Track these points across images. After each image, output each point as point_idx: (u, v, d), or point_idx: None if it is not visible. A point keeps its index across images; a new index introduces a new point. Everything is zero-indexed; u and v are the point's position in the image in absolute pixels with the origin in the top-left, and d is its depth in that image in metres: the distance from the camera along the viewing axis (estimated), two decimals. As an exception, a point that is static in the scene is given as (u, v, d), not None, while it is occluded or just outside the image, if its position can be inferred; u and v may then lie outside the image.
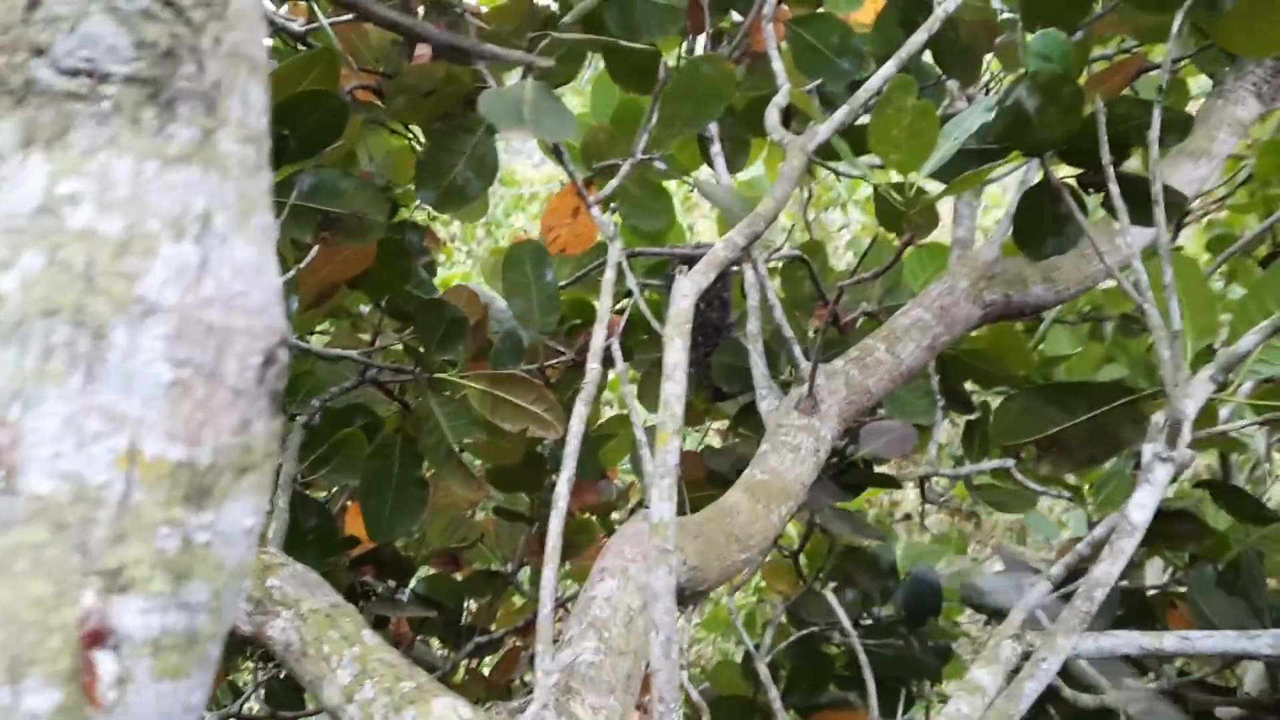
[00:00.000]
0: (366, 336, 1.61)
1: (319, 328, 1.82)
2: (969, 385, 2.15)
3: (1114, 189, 1.01)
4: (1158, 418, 0.80)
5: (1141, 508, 0.77)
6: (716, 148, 1.58)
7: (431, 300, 1.28)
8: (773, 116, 1.15)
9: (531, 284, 1.52)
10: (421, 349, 1.25)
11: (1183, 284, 0.94)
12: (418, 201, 2.16)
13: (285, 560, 1.00)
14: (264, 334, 0.38)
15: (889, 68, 1.07)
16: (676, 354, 0.89)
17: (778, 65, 1.35)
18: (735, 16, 1.94)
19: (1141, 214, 1.31)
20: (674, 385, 0.87)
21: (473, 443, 1.41)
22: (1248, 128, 1.49)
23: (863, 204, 4.68)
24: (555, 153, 1.35)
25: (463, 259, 5.00)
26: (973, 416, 2.05)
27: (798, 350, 1.42)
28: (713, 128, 1.67)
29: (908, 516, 4.18)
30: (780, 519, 1.29)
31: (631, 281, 1.14)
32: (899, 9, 1.63)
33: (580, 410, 1.00)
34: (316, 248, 1.16)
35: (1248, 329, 0.90)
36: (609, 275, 1.16)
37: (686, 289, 0.92)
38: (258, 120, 0.39)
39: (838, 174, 2.01)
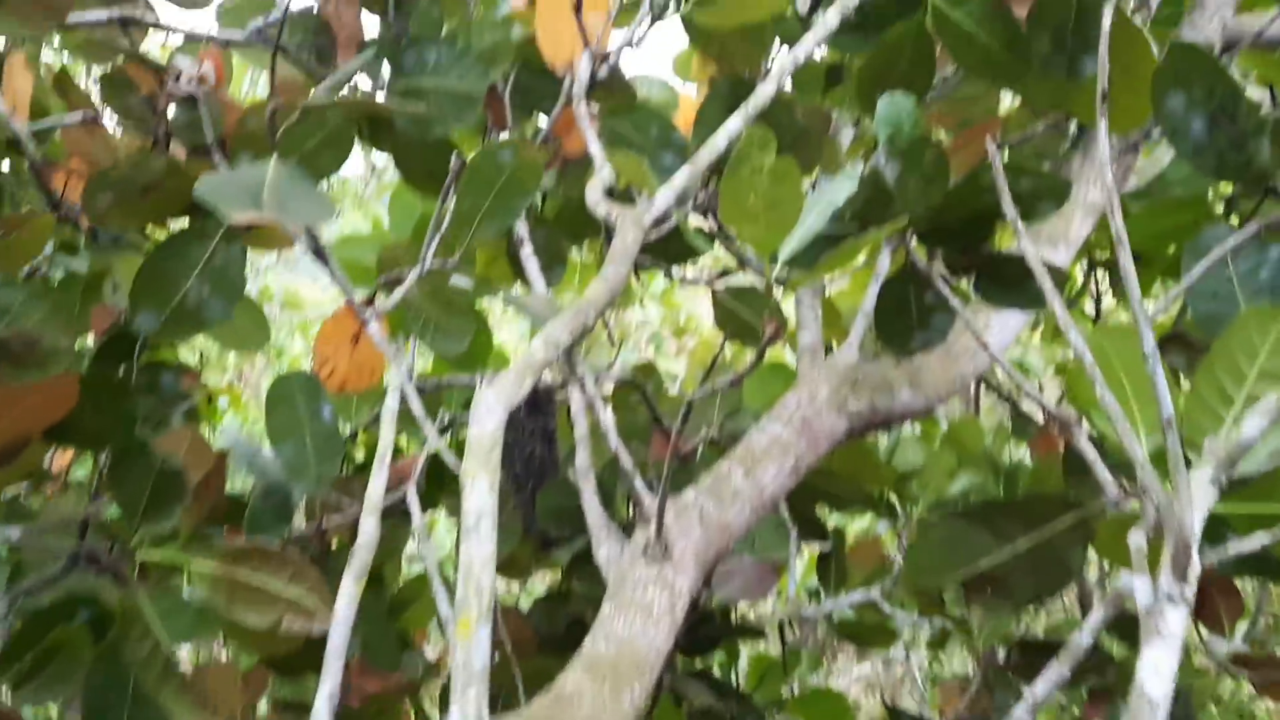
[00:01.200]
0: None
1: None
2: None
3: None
4: (1136, 539, 0.59)
5: (1159, 675, 0.54)
6: (528, 250, 1.33)
7: (129, 449, 0.95)
8: (596, 192, 0.92)
9: (304, 424, 1.22)
10: (125, 519, 0.93)
11: (1125, 363, 0.76)
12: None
13: None
14: None
15: (734, 122, 0.86)
16: (481, 498, 0.62)
17: (594, 147, 1.13)
18: (542, 119, 1.75)
19: (1008, 296, 1.16)
20: (480, 545, 0.60)
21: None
22: (1099, 210, 1.38)
23: (659, 298, 4.48)
24: (318, 257, 1.07)
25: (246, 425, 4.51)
26: (825, 548, 1.85)
27: (640, 484, 1.16)
28: (523, 232, 1.44)
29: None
30: (634, 703, 1.00)
31: (418, 409, 0.86)
32: (722, 98, 1.47)
33: (348, 590, 0.70)
34: (-21, 388, 0.84)
35: (1204, 415, 0.71)
36: (389, 404, 0.88)
37: (491, 404, 0.66)
38: None
39: (669, 259, 1.81)
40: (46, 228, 0.96)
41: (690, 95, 2.11)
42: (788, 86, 0.93)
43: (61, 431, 1.00)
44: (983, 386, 2.34)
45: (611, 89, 1.69)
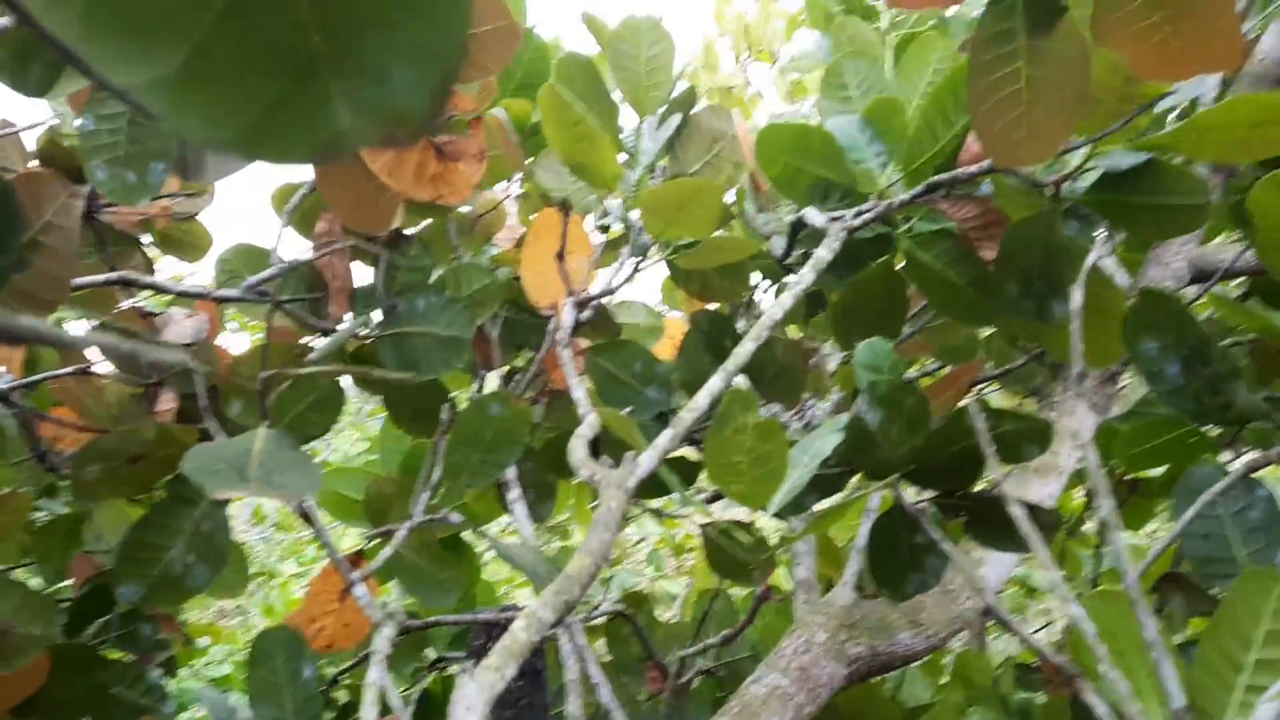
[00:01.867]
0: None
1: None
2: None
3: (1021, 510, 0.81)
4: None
5: None
6: (515, 493, 1.33)
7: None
8: (579, 451, 0.92)
9: (284, 685, 1.17)
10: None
11: (1128, 632, 0.73)
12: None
13: None
14: None
15: (715, 381, 0.87)
16: (462, 809, 0.58)
17: (579, 394, 1.15)
18: (529, 356, 1.79)
19: (999, 539, 1.14)
20: None
21: None
22: (1084, 442, 1.39)
23: (656, 515, 4.43)
24: (306, 519, 1.06)
25: (231, 654, 4.35)
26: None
27: (634, 744, 1.11)
28: (510, 475, 1.43)
29: None
30: None
31: (382, 677, 0.83)
32: (703, 333, 1.51)
33: None
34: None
35: (1214, 683, 0.69)
36: (373, 675, 0.85)
37: (472, 699, 0.63)
38: None
39: (661, 517, 1.79)
40: (24, 507, 0.95)
41: (677, 319, 2.17)
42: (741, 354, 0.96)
43: (31, 709, 0.96)
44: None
45: (596, 326, 1.73)
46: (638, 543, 4.41)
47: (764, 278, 1.83)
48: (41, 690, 0.95)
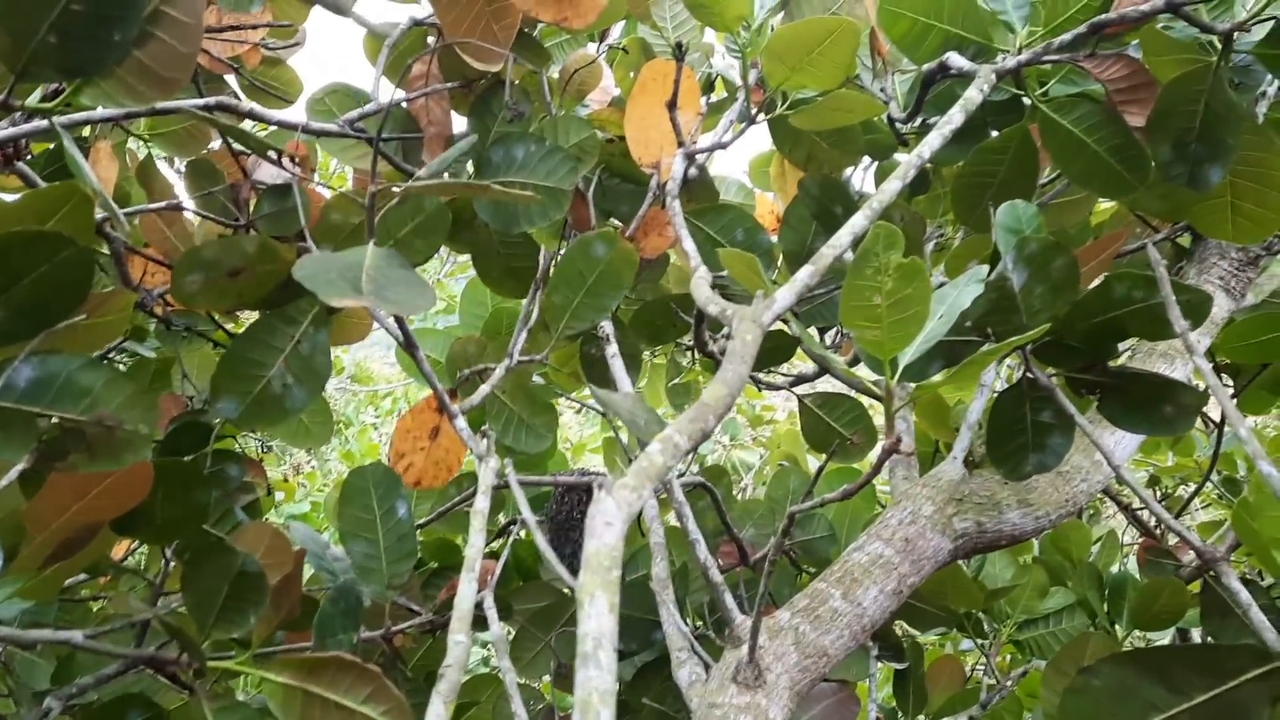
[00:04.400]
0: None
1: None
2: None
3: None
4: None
5: None
6: (613, 349, 1.28)
7: (207, 546, 0.89)
8: (702, 289, 0.87)
9: (377, 522, 1.16)
10: (195, 622, 0.87)
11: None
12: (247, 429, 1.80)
13: None
14: None
15: (859, 219, 0.81)
16: (601, 620, 0.55)
17: (689, 245, 1.09)
18: (617, 223, 1.72)
19: (1136, 419, 1.07)
20: (600, 676, 0.53)
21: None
22: (1219, 326, 1.30)
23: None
24: (408, 347, 1.03)
25: (309, 493, 4.49)
26: (902, 665, 1.73)
27: (729, 600, 1.09)
28: (609, 329, 1.39)
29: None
30: None
31: (523, 504, 0.80)
32: (814, 199, 1.43)
33: (437, 713, 0.63)
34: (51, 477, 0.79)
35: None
36: (480, 504, 0.82)
37: (611, 514, 0.59)
38: None
39: (759, 385, 1.75)
40: (127, 306, 0.92)
41: (768, 198, 2.09)
42: (888, 191, 0.88)
43: (131, 523, 0.95)
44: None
45: (696, 190, 1.66)
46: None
47: (869, 156, 1.74)
48: (142, 505, 0.93)
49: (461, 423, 0.97)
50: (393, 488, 1.13)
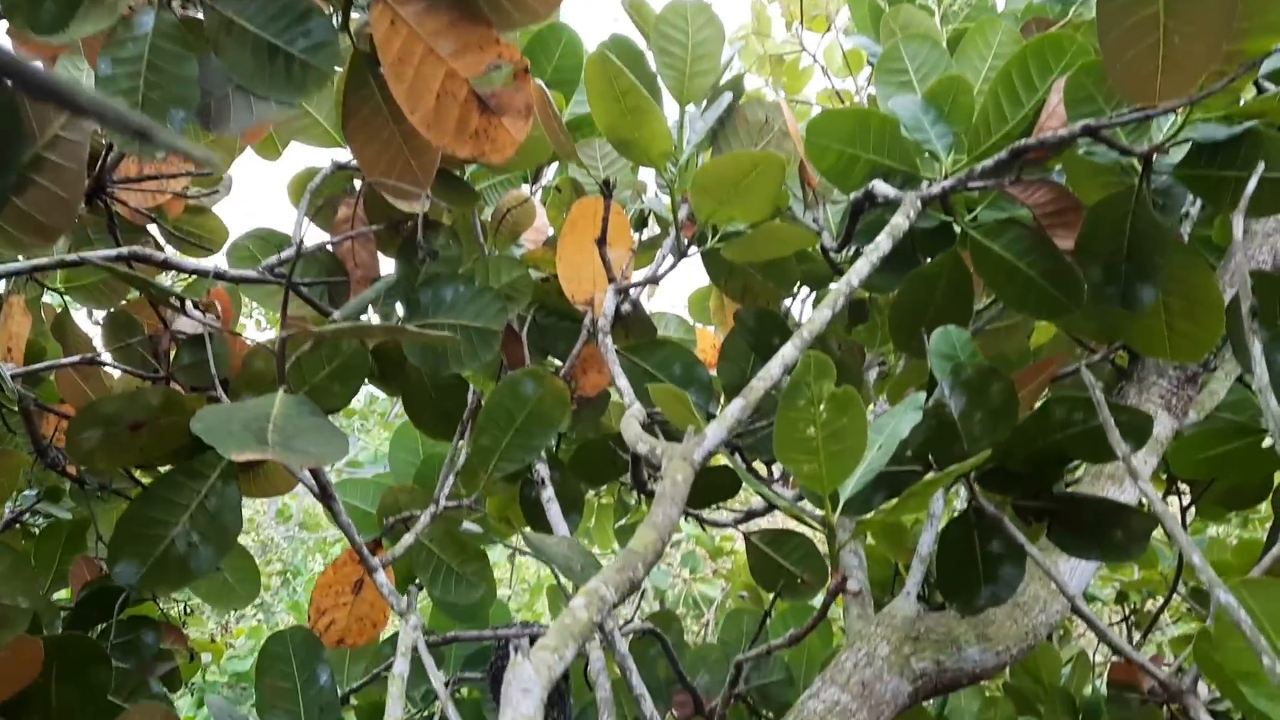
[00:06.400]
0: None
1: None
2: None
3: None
4: None
5: None
6: (549, 492, 1.23)
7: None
8: (632, 427, 0.83)
9: (298, 691, 1.07)
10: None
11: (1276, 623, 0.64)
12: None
13: None
14: None
15: (789, 349, 0.78)
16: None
17: (623, 382, 1.06)
18: (555, 362, 1.69)
19: (1087, 545, 1.04)
20: None
21: None
22: (1164, 445, 1.28)
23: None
24: (324, 498, 0.96)
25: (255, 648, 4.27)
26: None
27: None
28: (544, 472, 1.33)
29: None
30: None
31: (435, 676, 0.73)
32: (750, 331, 1.41)
33: None
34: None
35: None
36: (398, 667, 0.75)
37: (529, 680, 0.53)
38: None
39: (703, 523, 1.69)
40: (19, 467, 0.86)
41: (709, 331, 2.08)
42: (818, 320, 0.86)
43: (21, 709, 0.86)
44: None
45: (632, 326, 1.64)
46: (674, 544, 4.27)
47: (805, 286, 1.74)
48: (36, 685, 0.85)
49: (381, 576, 0.91)
50: (314, 653, 1.05)
